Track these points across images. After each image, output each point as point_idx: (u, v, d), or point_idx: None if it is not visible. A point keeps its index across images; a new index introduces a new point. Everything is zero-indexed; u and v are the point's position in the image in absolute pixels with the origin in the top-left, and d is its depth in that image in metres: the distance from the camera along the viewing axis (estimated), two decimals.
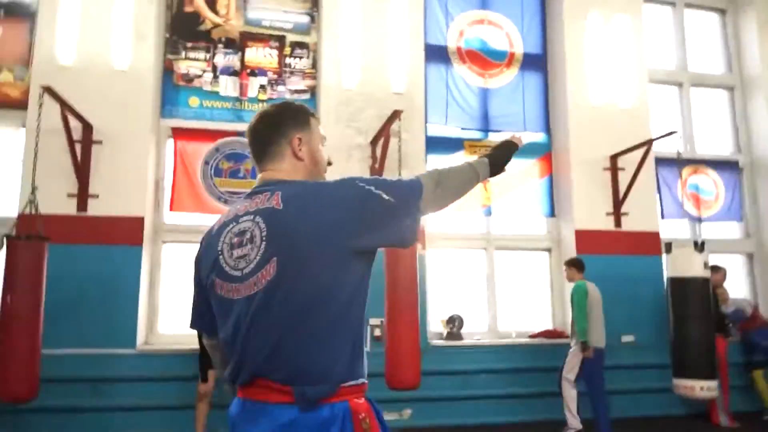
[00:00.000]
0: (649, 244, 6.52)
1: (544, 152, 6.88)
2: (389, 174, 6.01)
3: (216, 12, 6.25)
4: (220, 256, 1.51)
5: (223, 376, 1.57)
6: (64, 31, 5.56)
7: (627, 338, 6.30)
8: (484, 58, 6.85)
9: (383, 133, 5.70)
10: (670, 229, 6.89)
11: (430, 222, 6.44)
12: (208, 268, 1.54)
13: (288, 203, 1.47)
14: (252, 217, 1.49)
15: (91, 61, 5.58)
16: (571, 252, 6.45)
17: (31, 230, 4.39)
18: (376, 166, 5.93)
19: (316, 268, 1.41)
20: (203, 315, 1.62)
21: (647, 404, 6.16)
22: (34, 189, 4.46)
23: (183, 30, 6.15)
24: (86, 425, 5.05)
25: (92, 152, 5.47)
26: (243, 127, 5.90)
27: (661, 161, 6.87)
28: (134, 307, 5.39)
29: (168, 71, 6.06)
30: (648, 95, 6.91)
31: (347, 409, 1.41)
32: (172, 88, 6.05)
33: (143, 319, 5.57)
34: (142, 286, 5.52)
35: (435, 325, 6.29)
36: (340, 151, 6.03)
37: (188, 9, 6.19)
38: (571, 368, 5.45)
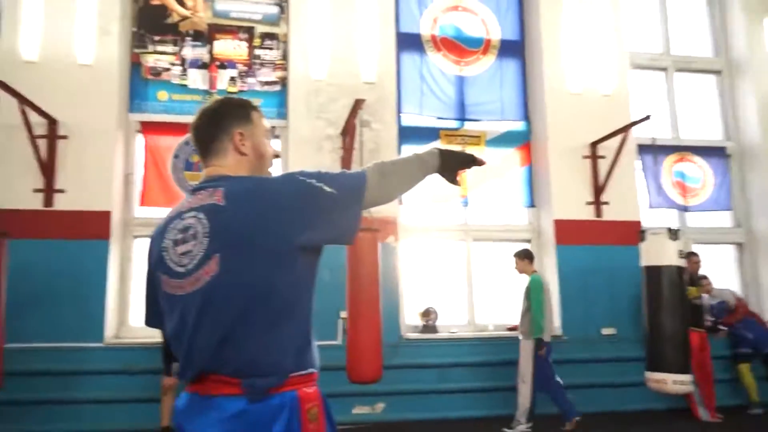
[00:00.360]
0: (630, 233, 6.32)
1: (524, 141, 6.73)
2: (358, 165, 5.93)
3: (183, 4, 6.19)
4: (164, 253, 1.53)
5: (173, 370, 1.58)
6: (28, 27, 5.54)
7: (607, 331, 6.16)
8: (460, 46, 6.71)
9: (349, 124, 5.61)
10: (657, 220, 6.70)
11: (406, 213, 6.36)
12: (155, 265, 1.56)
13: (230, 199, 1.48)
14: (195, 213, 1.50)
15: (54, 56, 5.56)
16: (551, 243, 6.33)
17: None
18: (348, 157, 5.84)
19: (258, 264, 1.43)
20: (156, 311, 1.63)
21: (629, 398, 6.01)
22: None
23: (150, 23, 6.10)
24: (55, 417, 5.06)
25: (58, 147, 5.46)
26: None
27: (644, 148, 6.69)
28: (101, 301, 5.38)
29: (136, 65, 6.02)
30: (629, 80, 6.73)
31: (295, 398, 1.43)
32: (140, 82, 6.01)
33: (113, 312, 5.56)
34: (111, 280, 5.51)
35: (412, 317, 6.21)
36: (310, 143, 5.97)
37: (155, 1, 6.14)
38: (527, 368, 5.29)
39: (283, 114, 6.14)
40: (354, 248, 4.68)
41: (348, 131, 5.70)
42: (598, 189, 6.35)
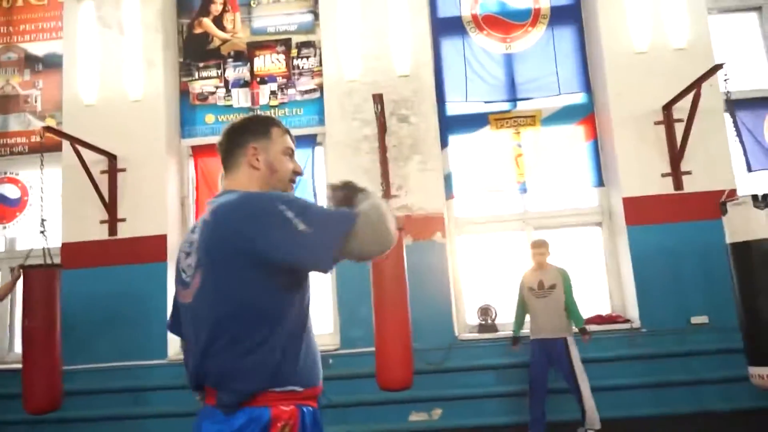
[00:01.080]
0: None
1: (586, 114, 6.04)
2: (398, 164, 5.73)
3: (223, 28, 6.42)
4: (179, 264, 1.66)
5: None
6: (85, 74, 6.08)
7: (698, 319, 5.30)
8: (505, 21, 6.21)
9: (379, 123, 5.42)
10: (760, 186, 5.65)
11: (457, 206, 6.02)
12: (175, 274, 1.71)
13: (215, 214, 1.56)
14: (198, 226, 1.62)
15: (109, 97, 6.04)
16: (622, 224, 5.61)
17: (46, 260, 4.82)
18: (383, 157, 5.65)
19: (230, 280, 1.48)
20: (177, 319, 1.75)
21: (732, 396, 5.12)
22: (42, 221, 4.91)
23: (194, 52, 6.41)
24: (125, 431, 5.46)
25: (118, 180, 5.92)
26: None
27: (739, 103, 5.66)
28: (163, 320, 5.70)
29: (185, 93, 6.35)
30: (707, 28, 5.76)
31: (266, 415, 1.46)
32: (189, 109, 6.34)
33: None
34: (171, 300, 5.82)
35: (471, 316, 5.84)
36: (347, 146, 5.86)
37: (197, 31, 6.44)
38: (580, 365, 4.90)
39: (322, 120, 6.11)
40: None
41: (379, 130, 5.51)
42: (676, 157, 5.50)
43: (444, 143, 6.02)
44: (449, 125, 6.08)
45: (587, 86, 6.08)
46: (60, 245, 5.84)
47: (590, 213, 5.97)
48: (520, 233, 5.93)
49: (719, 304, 5.23)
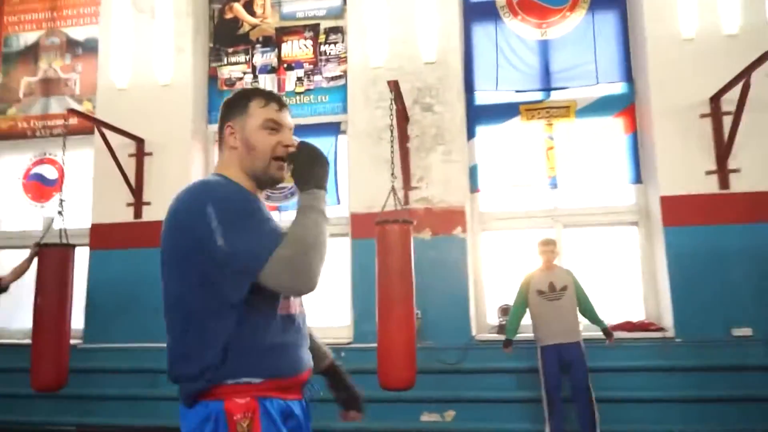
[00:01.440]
0: None
1: (625, 105, 5.62)
2: (419, 154, 5.52)
3: (253, 13, 6.38)
4: None
5: None
6: (118, 58, 6.19)
7: (740, 331, 4.84)
8: (541, 5, 5.85)
9: (398, 112, 5.22)
10: None
11: (482, 202, 5.76)
12: None
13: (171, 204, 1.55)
14: None
15: (140, 81, 6.12)
16: (658, 225, 5.20)
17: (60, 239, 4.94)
18: (403, 148, 5.46)
19: (167, 275, 1.51)
20: None
21: None
22: (61, 202, 5.02)
23: (224, 37, 6.40)
24: (140, 412, 5.54)
25: (144, 163, 6.00)
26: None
27: None
28: None
29: (213, 79, 6.37)
30: (766, 12, 5.22)
31: (221, 408, 1.42)
32: (217, 95, 6.34)
33: None
34: None
35: (493, 316, 5.59)
36: (370, 136, 5.71)
37: (228, 16, 6.43)
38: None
39: (347, 108, 5.97)
40: (381, 243, 4.33)
41: (398, 118, 5.31)
42: (723, 154, 5.03)
43: (471, 134, 5.76)
44: (477, 115, 5.81)
45: (628, 75, 5.65)
46: (90, 226, 6.00)
47: (626, 211, 5.57)
48: (549, 231, 5.59)
49: (766, 316, 4.77)
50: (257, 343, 1.46)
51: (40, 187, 6.58)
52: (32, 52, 6.82)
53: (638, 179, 5.50)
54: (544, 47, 5.82)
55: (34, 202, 6.58)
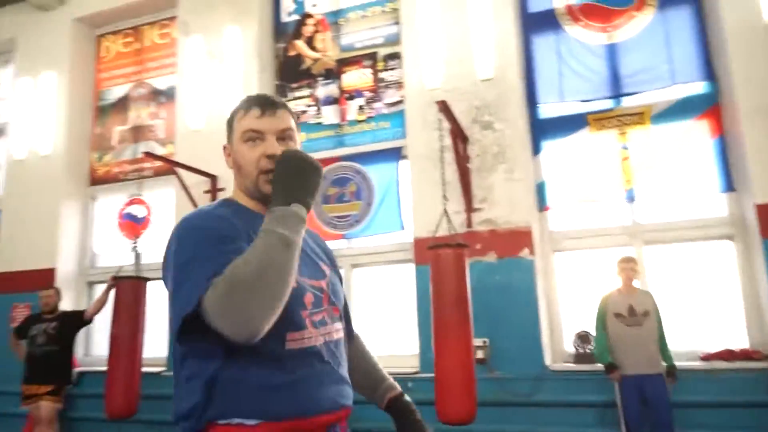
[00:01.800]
0: None
1: (709, 106, 5.08)
2: (481, 174, 5.33)
3: (314, 48, 6.53)
4: None
5: None
6: (192, 102, 6.57)
7: None
8: (604, 8, 5.49)
9: (453, 132, 5.08)
10: None
11: (552, 221, 5.42)
12: None
13: None
14: None
15: (212, 121, 6.43)
16: (757, 237, 4.59)
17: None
18: (463, 169, 5.28)
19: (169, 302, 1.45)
20: None
21: None
22: (135, 239, 5.34)
23: (288, 74, 6.60)
24: None
25: (218, 197, 6.26)
26: (343, 152, 6.04)
27: None
28: None
29: None
30: None
31: None
32: None
33: None
34: None
35: (569, 344, 5.18)
36: (429, 159, 5.57)
37: (291, 53, 6.63)
38: None
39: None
40: (435, 268, 4.19)
41: (454, 139, 5.16)
42: None
43: (536, 150, 5.47)
44: (542, 130, 5.51)
45: (709, 73, 5.12)
46: None
47: (717, 224, 4.98)
48: (627, 249, 5.13)
49: None
50: (249, 381, 1.32)
51: (133, 226, 7.07)
52: (123, 104, 7.43)
53: (730, 187, 4.92)
54: (611, 51, 5.43)
55: (127, 239, 7.09)
